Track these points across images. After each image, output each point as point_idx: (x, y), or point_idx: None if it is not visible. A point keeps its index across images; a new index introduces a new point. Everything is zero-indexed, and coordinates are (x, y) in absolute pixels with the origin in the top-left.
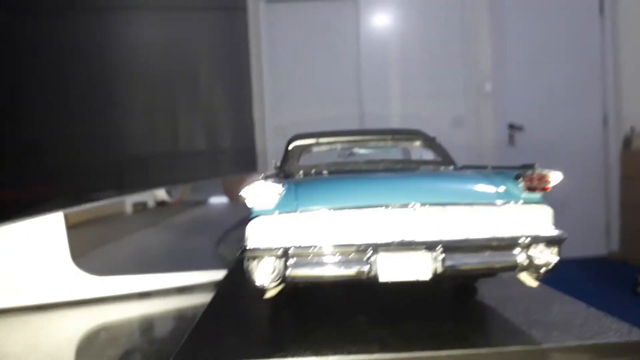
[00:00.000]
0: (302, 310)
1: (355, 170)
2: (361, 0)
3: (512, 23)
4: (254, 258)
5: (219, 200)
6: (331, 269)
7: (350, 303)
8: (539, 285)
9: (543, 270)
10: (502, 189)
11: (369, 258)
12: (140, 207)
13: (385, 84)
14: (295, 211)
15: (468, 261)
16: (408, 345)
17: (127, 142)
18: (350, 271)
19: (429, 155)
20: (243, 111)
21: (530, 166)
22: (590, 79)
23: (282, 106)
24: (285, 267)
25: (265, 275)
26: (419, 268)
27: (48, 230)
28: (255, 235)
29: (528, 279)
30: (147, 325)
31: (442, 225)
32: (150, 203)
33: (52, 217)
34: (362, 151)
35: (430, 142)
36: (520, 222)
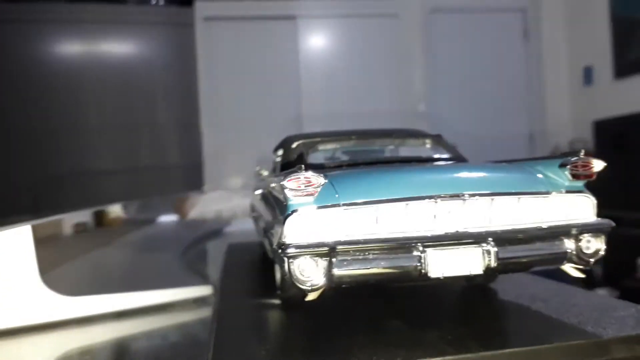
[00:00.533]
0: (325, 318)
1: (379, 165)
2: (300, 21)
3: (443, 47)
4: (295, 257)
5: (168, 218)
6: (380, 266)
7: (368, 307)
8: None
9: (592, 260)
10: (547, 177)
11: (419, 253)
12: (82, 227)
13: (325, 104)
14: (337, 205)
15: (520, 253)
16: (475, 345)
17: (69, 159)
18: (401, 268)
19: (440, 152)
20: (190, 128)
21: (573, 153)
22: (517, 99)
23: (220, 126)
24: (332, 267)
25: (310, 275)
26: (472, 262)
27: (13, 245)
28: (296, 231)
29: (573, 270)
30: (128, 348)
31: (491, 217)
32: (90, 223)
33: (18, 230)
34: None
35: (438, 140)
36: (566, 211)
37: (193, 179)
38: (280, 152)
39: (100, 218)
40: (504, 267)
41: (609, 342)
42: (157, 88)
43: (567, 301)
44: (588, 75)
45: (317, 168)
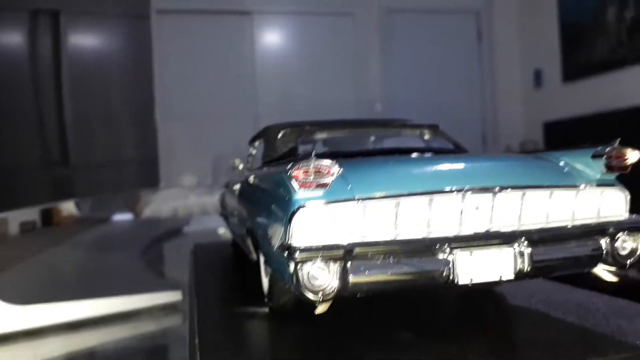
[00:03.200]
0: (328, 327)
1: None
2: (256, 16)
3: (398, 47)
4: (304, 261)
5: (123, 216)
6: (402, 272)
7: (370, 313)
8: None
9: (628, 261)
10: (575, 169)
11: (447, 256)
12: (29, 226)
13: (280, 101)
14: (352, 199)
15: (555, 255)
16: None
17: (16, 152)
18: (426, 274)
19: (440, 143)
20: (145, 123)
21: (601, 144)
22: (471, 100)
23: (173, 120)
24: (347, 272)
25: (322, 283)
26: (503, 266)
27: None
28: (303, 230)
29: (606, 274)
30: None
31: (521, 214)
32: (38, 222)
33: None
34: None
35: (436, 130)
36: (597, 207)
37: (149, 175)
38: (257, 143)
39: (48, 216)
40: (538, 270)
41: None
42: (114, 81)
43: (588, 307)
44: (538, 78)
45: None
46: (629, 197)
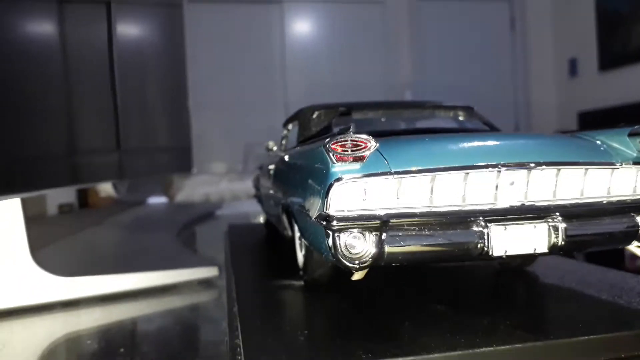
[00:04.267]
0: (364, 302)
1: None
2: (286, 5)
3: (429, 36)
4: (342, 230)
5: (158, 200)
6: (437, 243)
7: (404, 290)
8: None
9: None
10: (612, 148)
11: (481, 229)
12: (67, 208)
13: (310, 89)
14: (389, 173)
15: (590, 230)
16: (540, 332)
17: (63, 137)
18: (461, 245)
19: (475, 123)
20: (179, 109)
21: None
22: (503, 89)
23: (205, 109)
24: (383, 242)
25: (358, 252)
26: (537, 239)
27: (1, 220)
28: (341, 201)
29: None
30: (130, 332)
31: (557, 190)
32: (76, 204)
33: (6, 204)
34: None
35: (471, 112)
36: (634, 184)
37: (182, 161)
38: (291, 125)
39: (85, 199)
40: (571, 245)
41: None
42: (149, 70)
43: (622, 286)
44: (573, 67)
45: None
46: None
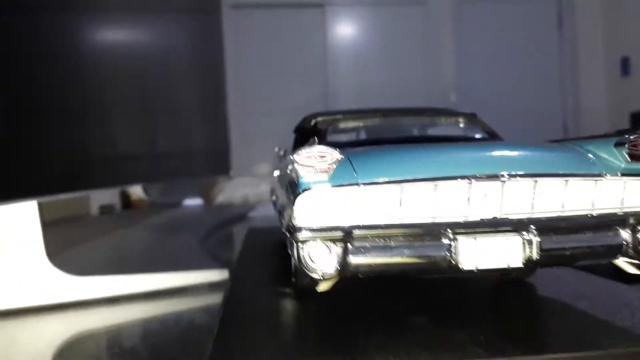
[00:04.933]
0: (346, 311)
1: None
2: (328, 9)
3: (474, 37)
4: (306, 241)
5: (193, 202)
6: (403, 255)
7: (390, 299)
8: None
9: None
10: (599, 158)
11: (449, 241)
12: (108, 209)
13: (351, 94)
14: (355, 184)
15: (567, 244)
16: (511, 349)
17: (100, 140)
18: (427, 258)
19: (474, 131)
20: (216, 113)
21: (629, 131)
22: (551, 91)
23: (248, 113)
24: (346, 253)
25: (321, 262)
26: (510, 253)
27: (19, 222)
28: (307, 212)
29: (629, 266)
30: (138, 333)
31: (534, 202)
32: (118, 206)
33: (24, 206)
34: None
35: (472, 119)
36: (621, 198)
37: (219, 164)
38: (299, 132)
39: (127, 200)
40: (548, 259)
41: None
42: (185, 75)
43: (617, 300)
44: (625, 66)
45: (337, 146)
46: None
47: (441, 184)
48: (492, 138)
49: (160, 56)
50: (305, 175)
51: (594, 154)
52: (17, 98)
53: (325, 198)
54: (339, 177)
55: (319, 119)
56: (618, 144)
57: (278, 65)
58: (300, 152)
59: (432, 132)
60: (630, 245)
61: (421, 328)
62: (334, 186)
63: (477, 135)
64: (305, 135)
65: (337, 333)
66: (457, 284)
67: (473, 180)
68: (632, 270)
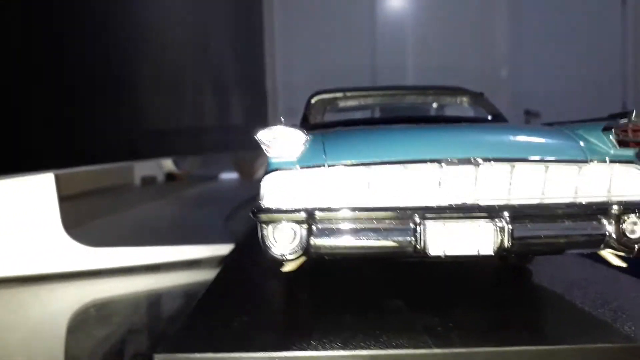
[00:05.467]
0: (324, 291)
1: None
2: None
3: (529, 9)
4: (270, 222)
5: (229, 175)
6: (367, 239)
7: (381, 282)
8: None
9: (637, 246)
10: (586, 143)
11: (416, 226)
12: (150, 180)
13: (400, 66)
14: (322, 165)
15: (542, 232)
16: (467, 338)
17: (140, 114)
18: (392, 242)
19: (478, 112)
20: (256, 88)
21: (623, 115)
22: (610, 67)
23: (293, 88)
24: (310, 235)
25: (284, 243)
26: (481, 240)
27: (37, 193)
28: (272, 193)
29: (614, 257)
30: (142, 302)
31: (510, 188)
32: (160, 177)
33: (42, 178)
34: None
35: (477, 99)
36: (607, 185)
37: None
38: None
39: (170, 172)
40: (521, 248)
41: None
42: (226, 50)
43: (610, 293)
44: None
45: (329, 126)
46: None
47: (411, 167)
48: (496, 119)
49: (201, 29)
50: (271, 155)
51: (583, 139)
52: (66, 73)
53: (291, 179)
54: (308, 159)
55: (319, 97)
56: (606, 129)
57: (324, 42)
58: (265, 131)
59: (436, 111)
60: (614, 236)
61: (394, 312)
62: (302, 167)
63: (479, 116)
64: (306, 113)
65: (305, 314)
66: (450, 270)
67: (444, 163)
68: (616, 262)
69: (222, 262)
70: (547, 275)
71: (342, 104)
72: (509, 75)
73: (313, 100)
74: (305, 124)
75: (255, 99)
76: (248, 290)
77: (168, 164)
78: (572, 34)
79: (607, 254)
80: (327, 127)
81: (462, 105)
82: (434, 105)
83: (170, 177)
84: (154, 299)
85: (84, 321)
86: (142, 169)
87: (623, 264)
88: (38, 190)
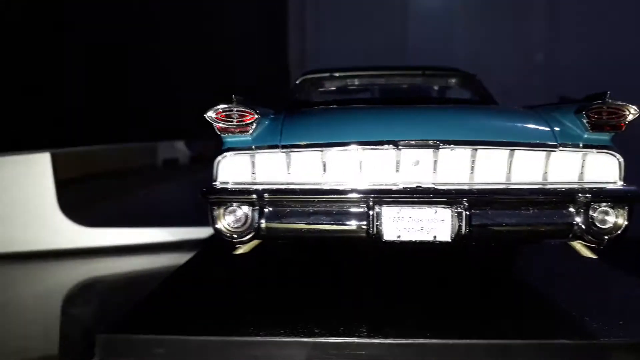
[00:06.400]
0: (289, 276)
1: (367, 103)
2: None
3: None
4: (220, 203)
5: None
6: (319, 222)
7: (346, 269)
8: (597, 261)
9: (607, 237)
10: (556, 127)
11: (370, 210)
12: (171, 162)
13: (432, 49)
14: (276, 147)
15: (503, 220)
16: (422, 329)
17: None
18: (345, 226)
19: (466, 94)
20: (277, 71)
21: (599, 96)
22: None
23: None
24: (261, 217)
25: (234, 225)
26: (438, 227)
27: (32, 172)
28: (224, 173)
29: (585, 249)
30: (130, 282)
31: (472, 173)
32: (185, 159)
33: (37, 157)
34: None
35: (468, 80)
36: (578, 172)
37: None
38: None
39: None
40: (480, 236)
41: (603, 347)
42: (250, 35)
43: (587, 287)
44: None
45: (311, 106)
46: (621, 162)
47: (368, 149)
48: (484, 101)
49: (221, 13)
50: (224, 134)
51: (558, 123)
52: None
53: (244, 160)
54: (262, 139)
55: (305, 77)
56: (577, 111)
57: (355, 27)
58: (216, 109)
59: (430, 93)
60: (583, 226)
61: (359, 302)
62: (256, 147)
63: (464, 97)
64: (293, 93)
65: (270, 301)
66: (432, 258)
67: (402, 146)
68: (587, 253)
69: (200, 245)
70: (523, 267)
71: (329, 84)
72: (542, 62)
73: (298, 81)
74: (292, 105)
75: (277, 76)
76: (211, 275)
77: (180, 145)
78: (613, 18)
79: (578, 245)
80: (310, 107)
81: (453, 87)
82: (431, 86)
83: (196, 159)
84: (144, 279)
85: (67, 299)
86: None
87: (594, 256)
88: (35, 169)
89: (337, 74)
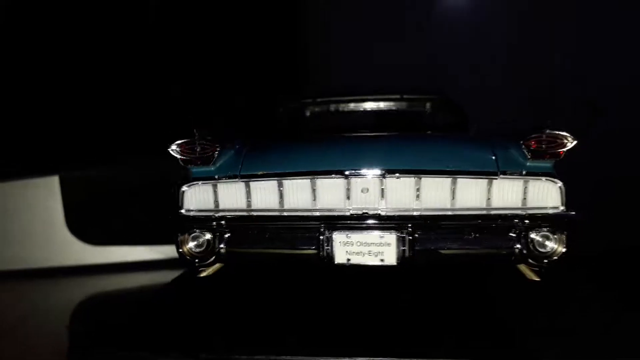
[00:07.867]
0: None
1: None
2: None
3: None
4: (184, 230)
5: None
6: (275, 247)
7: (297, 291)
8: (552, 283)
9: (546, 261)
10: (500, 155)
11: (321, 235)
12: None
13: (455, 63)
14: (236, 177)
15: (446, 245)
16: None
17: None
18: (299, 250)
19: (441, 116)
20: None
21: (541, 127)
22: None
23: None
24: (221, 242)
25: (196, 250)
26: (384, 250)
27: (40, 194)
28: (188, 201)
29: (529, 272)
30: (128, 299)
31: (417, 199)
32: None
33: (47, 180)
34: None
35: (443, 104)
36: (520, 198)
37: None
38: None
39: None
40: (425, 259)
41: None
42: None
43: (546, 309)
44: None
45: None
46: (562, 188)
47: (319, 178)
48: (456, 126)
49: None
50: (187, 164)
51: (503, 150)
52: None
53: (206, 189)
54: (224, 169)
55: (283, 106)
56: (519, 140)
57: (377, 35)
58: (180, 142)
59: (399, 116)
60: (524, 250)
61: (321, 318)
62: (219, 177)
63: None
64: (276, 120)
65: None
66: (388, 279)
67: (350, 175)
68: (532, 276)
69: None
70: (469, 289)
71: (308, 110)
72: (572, 68)
73: (280, 109)
74: (274, 132)
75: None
76: (189, 301)
77: None
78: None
79: (523, 268)
80: (285, 136)
81: (428, 112)
82: (408, 110)
83: None
84: (143, 296)
85: (71, 314)
86: None
87: (537, 279)
88: (43, 192)
89: (317, 100)
